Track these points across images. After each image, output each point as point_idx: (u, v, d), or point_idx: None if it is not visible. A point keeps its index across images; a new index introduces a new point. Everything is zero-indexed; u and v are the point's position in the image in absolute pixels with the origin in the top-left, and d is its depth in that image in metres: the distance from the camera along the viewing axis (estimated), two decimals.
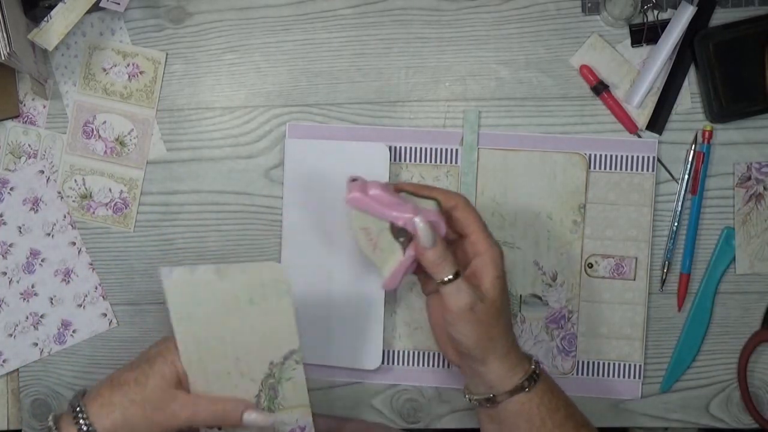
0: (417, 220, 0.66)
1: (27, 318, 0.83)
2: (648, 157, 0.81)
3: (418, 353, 0.82)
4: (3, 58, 0.72)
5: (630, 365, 0.81)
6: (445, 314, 0.68)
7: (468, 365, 0.71)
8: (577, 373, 0.82)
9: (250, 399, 0.69)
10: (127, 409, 0.65)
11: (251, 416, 0.67)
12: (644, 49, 0.81)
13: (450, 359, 0.74)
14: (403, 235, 0.68)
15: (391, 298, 0.82)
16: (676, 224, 0.81)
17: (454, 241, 0.71)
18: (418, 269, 0.70)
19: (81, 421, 0.64)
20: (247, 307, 0.67)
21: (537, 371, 0.69)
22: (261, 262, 0.67)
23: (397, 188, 0.71)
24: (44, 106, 0.83)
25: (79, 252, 0.83)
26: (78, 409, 0.65)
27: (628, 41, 0.81)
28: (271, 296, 0.67)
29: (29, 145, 0.83)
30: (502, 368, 0.68)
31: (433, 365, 0.82)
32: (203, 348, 0.68)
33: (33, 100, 0.83)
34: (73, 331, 0.84)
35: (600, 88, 0.81)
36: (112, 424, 0.64)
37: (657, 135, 0.81)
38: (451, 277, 0.66)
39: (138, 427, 0.65)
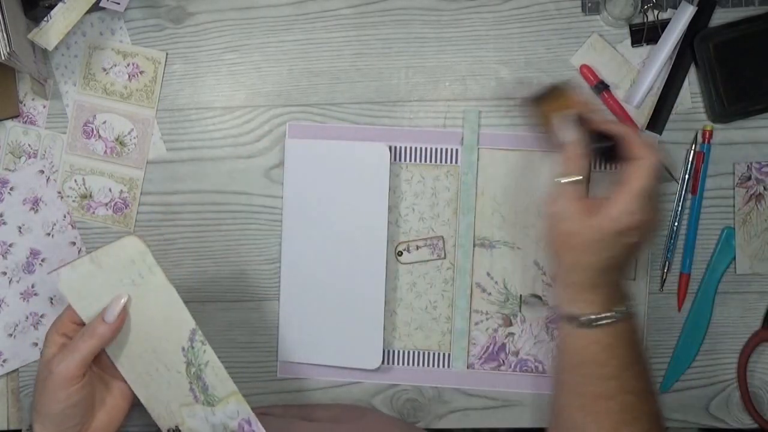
0: (561, 114, 0.71)
1: (27, 318, 0.83)
2: None
3: (418, 353, 0.82)
4: (3, 58, 0.72)
5: None
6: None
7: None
8: None
9: (186, 394, 0.71)
10: (36, 406, 0.68)
11: (109, 310, 0.68)
12: (644, 49, 0.81)
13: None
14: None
15: (392, 298, 0.82)
16: (676, 224, 0.81)
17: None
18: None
19: None
20: (134, 290, 0.69)
21: (598, 321, 0.67)
22: (120, 240, 0.67)
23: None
24: (44, 106, 0.83)
25: (79, 252, 0.83)
26: None
27: (628, 41, 0.81)
28: (145, 273, 0.68)
29: (29, 145, 0.83)
30: (563, 290, 0.69)
31: (433, 365, 0.82)
32: (125, 346, 0.71)
33: (33, 100, 0.83)
34: None
35: (600, 88, 0.81)
36: (37, 426, 0.68)
37: (657, 135, 0.81)
38: (573, 179, 0.68)
39: (47, 411, 0.67)
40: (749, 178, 0.81)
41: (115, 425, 0.73)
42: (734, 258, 0.81)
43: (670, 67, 0.81)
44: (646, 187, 0.66)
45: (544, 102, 0.75)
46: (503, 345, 0.82)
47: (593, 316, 0.68)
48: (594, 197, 0.69)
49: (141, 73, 0.83)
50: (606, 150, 0.71)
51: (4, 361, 0.83)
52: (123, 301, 0.69)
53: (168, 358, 0.71)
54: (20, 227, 0.83)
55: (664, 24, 0.80)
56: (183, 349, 0.70)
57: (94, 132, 0.83)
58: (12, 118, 0.83)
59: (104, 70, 0.83)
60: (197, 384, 0.71)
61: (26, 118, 0.83)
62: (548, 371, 0.81)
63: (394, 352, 0.83)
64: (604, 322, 0.68)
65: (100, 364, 0.72)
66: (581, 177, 0.68)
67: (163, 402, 0.72)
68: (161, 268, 0.68)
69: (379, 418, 0.81)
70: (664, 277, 0.81)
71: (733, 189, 0.81)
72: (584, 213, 0.67)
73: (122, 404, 0.73)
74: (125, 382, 0.72)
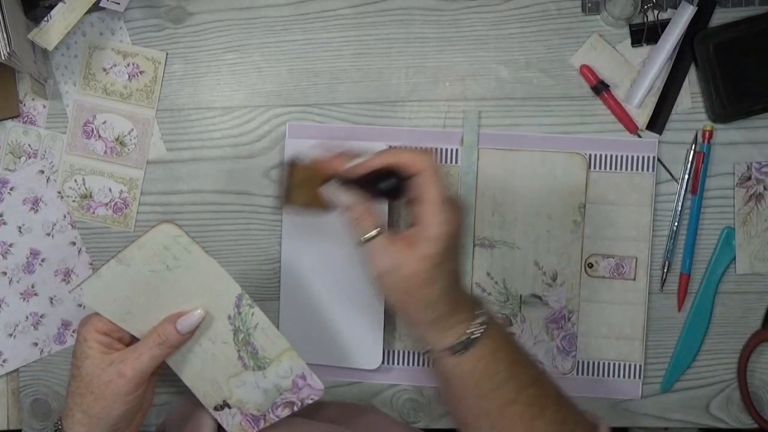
0: (323, 188, 0.66)
1: (27, 318, 0.83)
2: (648, 157, 0.81)
3: (418, 353, 0.82)
4: (3, 58, 0.72)
5: (630, 365, 0.82)
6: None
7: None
8: (577, 373, 0.82)
9: (235, 364, 0.70)
10: (87, 410, 0.67)
11: (184, 322, 0.68)
12: (644, 49, 0.81)
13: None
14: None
15: None
16: (676, 224, 0.81)
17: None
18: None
19: None
20: (169, 274, 0.67)
21: (474, 335, 0.66)
22: (151, 230, 0.66)
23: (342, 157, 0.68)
24: (44, 106, 0.83)
25: (79, 252, 0.84)
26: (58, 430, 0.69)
27: (628, 41, 0.81)
28: (181, 254, 0.67)
29: (29, 145, 0.83)
30: (429, 331, 0.67)
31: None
32: None
33: (33, 100, 0.83)
34: (73, 331, 0.84)
35: (600, 88, 0.81)
36: (82, 429, 0.67)
37: (657, 135, 0.81)
38: (373, 234, 0.65)
39: (105, 415, 0.67)
40: (749, 178, 0.81)
41: (145, 415, 0.73)
42: (734, 258, 0.81)
43: (670, 67, 0.81)
44: (440, 192, 0.64)
45: (296, 186, 0.68)
46: None
47: (468, 333, 0.66)
48: (405, 231, 0.65)
49: (141, 73, 0.83)
50: (391, 185, 0.66)
51: (4, 361, 0.83)
52: (199, 313, 0.68)
53: (213, 331, 0.69)
54: (20, 227, 0.83)
55: (664, 24, 0.80)
56: (229, 317, 0.69)
57: (94, 132, 0.83)
58: (12, 118, 0.83)
59: (104, 70, 0.83)
60: (246, 350, 0.70)
61: (26, 118, 0.83)
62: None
63: (394, 352, 0.83)
64: (478, 333, 0.66)
65: None
66: (379, 228, 0.65)
67: (208, 378, 0.71)
68: (198, 245, 0.67)
69: (382, 420, 0.81)
70: (664, 277, 0.81)
71: (733, 189, 0.81)
72: (406, 250, 0.64)
73: (151, 396, 0.73)
74: (154, 373, 0.71)
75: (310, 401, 0.71)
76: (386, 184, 0.65)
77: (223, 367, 0.71)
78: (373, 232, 0.65)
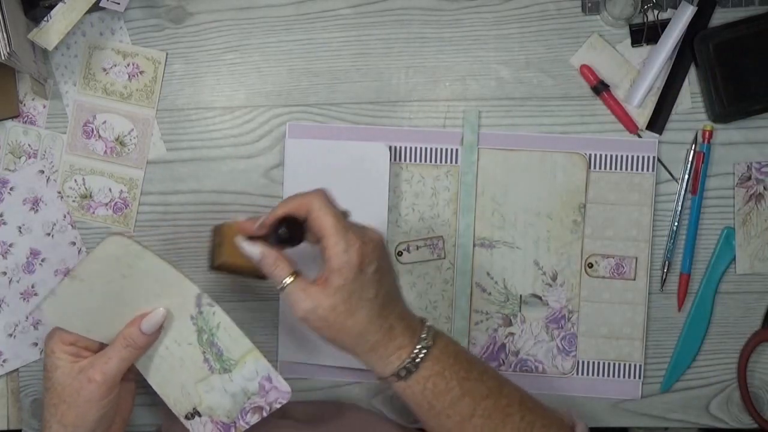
0: (237, 240, 0.68)
1: (27, 318, 0.83)
2: (648, 157, 0.81)
3: None
4: (3, 58, 0.72)
5: (630, 365, 0.82)
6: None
7: None
8: (577, 373, 0.82)
9: (201, 367, 0.71)
10: (62, 420, 0.67)
11: (148, 322, 0.69)
12: (644, 49, 0.81)
13: None
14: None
15: None
16: (676, 224, 0.81)
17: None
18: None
19: None
20: (126, 282, 0.68)
21: (417, 359, 0.66)
22: (101, 244, 0.67)
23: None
24: (44, 106, 0.83)
25: (79, 252, 0.84)
26: None
27: (628, 41, 0.81)
28: (134, 262, 0.68)
29: (29, 145, 0.83)
30: (371, 359, 0.67)
31: None
32: None
33: (33, 100, 0.83)
34: None
35: (600, 88, 0.81)
36: None
37: (657, 135, 0.81)
38: (288, 281, 0.66)
39: (81, 422, 0.67)
40: (749, 178, 0.81)
41: (126, 423, 0.73)
42: (734, 258, 0.81)
43: (670, 67, 0.81)
44: (334, 224, 0.65)
45: (219, 245, 0.72)
46: (503, 345, 0.82)
47: (410, 358, 0.66)
48: (320, 273, 0.66)
49: (141, 73, 0.83)
50: (292, 233, 0.68)
51: (4, 361, 0.83)
52: (162, 311, 0.69)
53: (178, 333, 0.70)
54: (20, 227, 0.83)
55: (664, 24, 0.80)
56: (192, 317, 0.70)
57: (94, 132, 0.83)
58: (12, 118, 0.83)
59: (104, 70, 0.83)
60: (211, 352, 0.70)
61: (26, 118, 0.83)
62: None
63: None
64: (423, 353, 0.66)
65: None
66: (293, 272, 0.66)
67: (177, 384, 0.71)
68: (151, 251, 0.68)
69: (358, 415, 0.80)
70: (664, 277, 0.81)
71: (733, 189, 0.81)
72: (321, 288, 0.65)
73: (130, 402, 0.73)
74: (130, 379, 0.72)
75: (279, 405, 0.71)
76: (281, 233, 0.67)
77: (190, 371, 0.71)
78: (289, 278, 0.66)
